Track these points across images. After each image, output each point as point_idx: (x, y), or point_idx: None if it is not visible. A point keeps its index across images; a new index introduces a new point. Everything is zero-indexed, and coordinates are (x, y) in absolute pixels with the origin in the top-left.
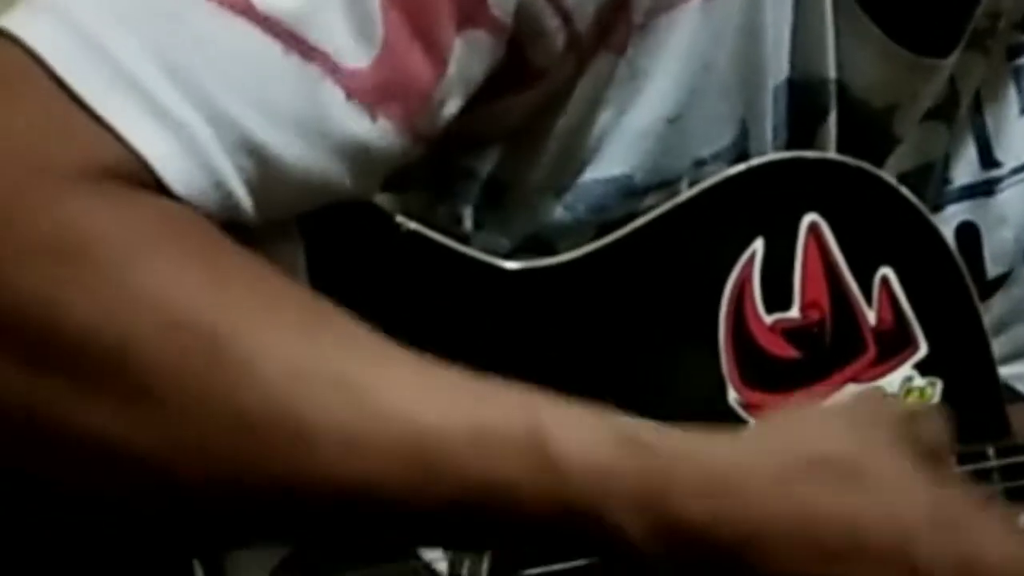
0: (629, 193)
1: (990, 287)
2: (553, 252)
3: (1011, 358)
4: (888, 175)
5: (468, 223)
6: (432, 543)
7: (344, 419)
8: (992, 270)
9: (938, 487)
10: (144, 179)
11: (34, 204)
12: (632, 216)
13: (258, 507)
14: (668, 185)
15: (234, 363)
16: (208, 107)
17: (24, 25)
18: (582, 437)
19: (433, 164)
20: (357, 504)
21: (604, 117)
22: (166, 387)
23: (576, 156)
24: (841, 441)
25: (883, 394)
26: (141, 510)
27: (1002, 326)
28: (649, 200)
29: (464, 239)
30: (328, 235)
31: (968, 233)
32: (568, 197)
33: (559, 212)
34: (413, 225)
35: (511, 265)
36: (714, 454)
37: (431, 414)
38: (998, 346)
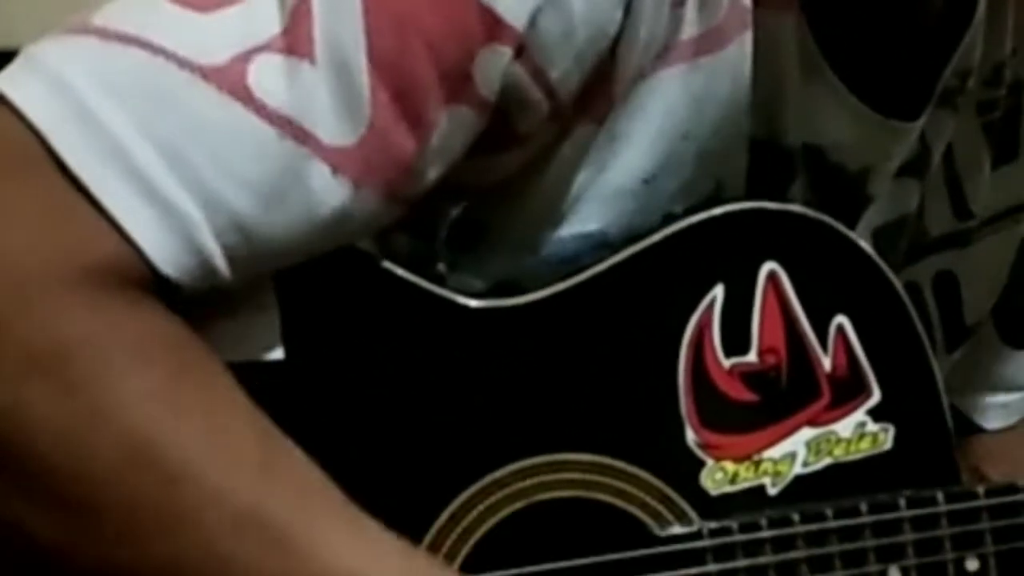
0: (602, 246)
1: (967, 333)
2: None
3: (970, 389)
4: (842, 226)
5: (442, 264)
6: None
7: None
8: (969, 318)
9: None
10: (133, 264)
11: (22, 313)
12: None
13: None
14: (640, 239)
15: (180, 501)
16: (201, 190)
17: (21, 91)
18: None
19: (413, 208)
20: None
21: (582, 177)
22: (113, 510)
23: (553, 212)
24: None
25: None
26: None
27: (964, 358)
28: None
29: (438, 279)
30: (299, 269)
31: (946, 282)
32: (543, 249)
33: (532, 261)
34: (385, 264)
35: (474, 303)
36: None
37: None
38: (962, 377)
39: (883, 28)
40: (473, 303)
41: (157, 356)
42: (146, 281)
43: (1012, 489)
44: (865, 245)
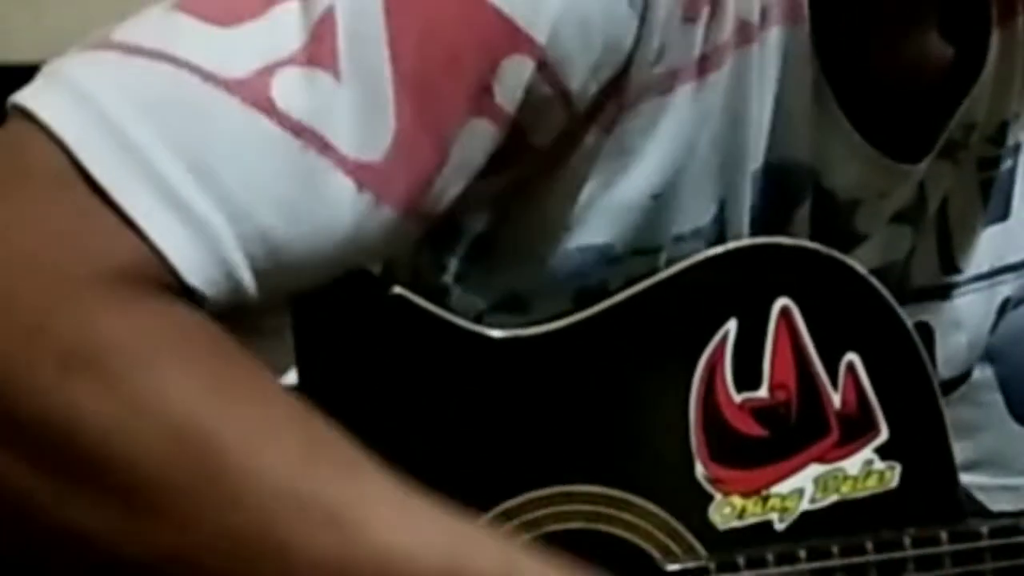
0: (608, 261)
1: (941, 389)
2: (527, 311)
3: (975, 466)
4: (859, 264)
5: (450, 276)
6: None
7: (329, 552)
8: (944, 372)
9: None
10: (160, 273)
11: (58, 312)
12: (607, 282)
13: None
14: (645, 254)
15: (233, 481)
16: (227, 202)
17: (48, 108)
18: None
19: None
20: None
21: (590, 189)
22: (164, 497)
23: (561, 223)
24: None
25: None
26: None
27: (967, 432)
28: (625, 267)
29: (443, 291)
30: (314, 294)
31: (922, 333)
32: (550, 261)
33: (539, 274)
34: (398, 289)
35: (494, 333)
36: None
37: (413, 554)
38: (963, 451)
39: (891, 70)
40: (495, 333)
41: (195, 347)
42: (174, 290)
43: (1015, 530)
44: (877, 283)
